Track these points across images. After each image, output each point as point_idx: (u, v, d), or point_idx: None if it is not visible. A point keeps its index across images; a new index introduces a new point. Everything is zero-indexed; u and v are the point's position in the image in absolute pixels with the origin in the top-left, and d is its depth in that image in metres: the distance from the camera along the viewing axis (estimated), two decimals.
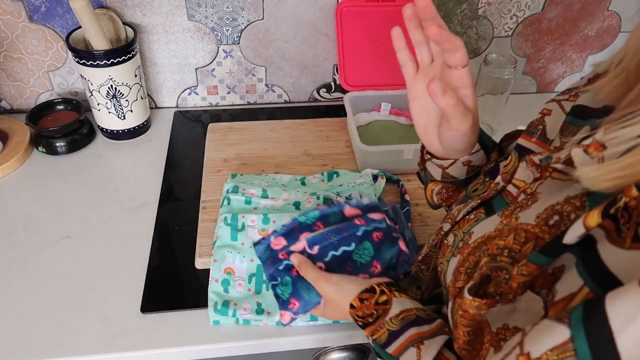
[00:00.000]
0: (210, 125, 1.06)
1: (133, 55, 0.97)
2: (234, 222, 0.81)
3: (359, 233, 0.65)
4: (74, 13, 0.90)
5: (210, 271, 0.76)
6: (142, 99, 1.03)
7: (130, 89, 0.99)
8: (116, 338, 0.71)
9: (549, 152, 0.46)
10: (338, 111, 1.11)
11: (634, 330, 0.30)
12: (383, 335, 0.55)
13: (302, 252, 0.67)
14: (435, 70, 0.56)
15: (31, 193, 0.92)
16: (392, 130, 1.04)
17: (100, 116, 1.02)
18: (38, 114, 1.02)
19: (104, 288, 0.77)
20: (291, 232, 0.68)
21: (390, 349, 0.54)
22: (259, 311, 0.72)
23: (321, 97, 1.20)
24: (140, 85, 1.01)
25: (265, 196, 0.85)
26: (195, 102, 1.16)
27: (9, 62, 1.04)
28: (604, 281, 0.34)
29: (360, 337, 0.73)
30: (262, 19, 1.05)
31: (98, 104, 0.99)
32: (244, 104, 1.18)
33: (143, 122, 1.06)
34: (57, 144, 0.99)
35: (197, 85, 1.13)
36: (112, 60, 0.93)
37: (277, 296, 0.68)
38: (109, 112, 1.00)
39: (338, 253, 0.65)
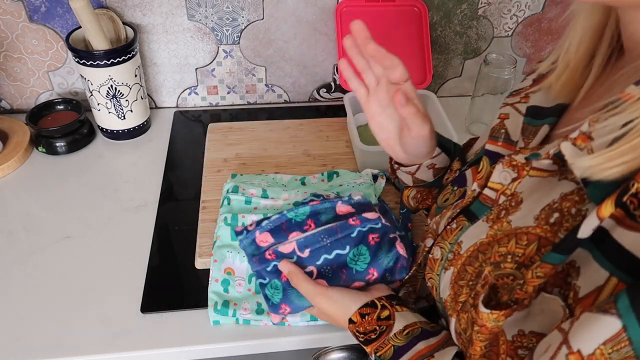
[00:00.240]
0: (210, 125, 1.07)
1: (133, 55, 0.97)
2: (234, 222, 0.81)
3: (354, 234, 0.60)
4: (74, 13, 0.90)
5: (210, 271, 0.76)
6: (142, 99, 1.03)
7: (130, 89, 0.99)
8: (116, 338, 0.71)
9: (515, 152, 0.47)
10: (338, 111, 1.11)
11: None
12: (388, 352, 0.54)
13: (292, 253, 0.61)
14: (382, 89, 0.62)
15: (31, 193, 0.92)
16: None
17: (100, 116, 1.02)
18: (38, 114, 1.02)
19: (104, 288, 0.77)
20: (279, 229, 0.62)
21: None
22: (259, 311, 0.72)
23: (321, 97, 1.20)
24: (140, 85, 1.01)
25: (265, 196, 0.85)
26: (195, 102, 1.16)
27: (9, 62, 1.04)
28: (634, 268, 0.34)
29: None
30: (262, 19, 1.05)
31: (98, 104, 0.99)
32: (244, 104, 1.18)
33: (143, 122, 1.06)
34: (57, 144, 0.99)
35: (197, 85, 1.13)
36: (112, 60, 0.93)
37: (266, 297, 0.64)
38: (109, 112, 1.00)
39: (331, 256, 0.60)
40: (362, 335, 0.56)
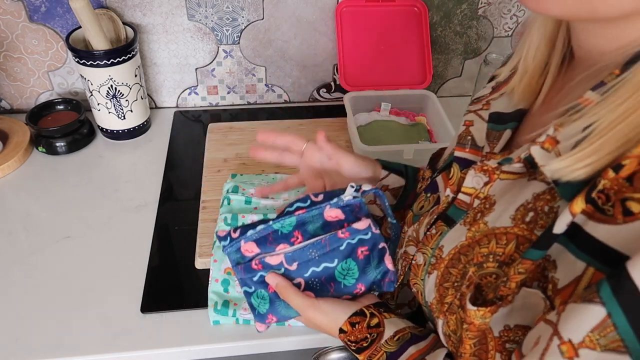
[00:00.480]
0: (210, 125, 1.06)
1: (133, 55, 0.97)
2: (234, 222, 0.81)
3: (342, 247, 0.58)
4: (74, 13, 0.90)
5: (210, 271, 0.76)
6: (142, 99, 1.03)
7: (130, 89, 0.99)
8: (116, 338, 0.71)
9: (485, 157, 0.51)
10: (338, 111, 1.11)
11: None
12: (381, 358, 0.55)
13: (280, 265, 0.60)
14: (309, 151, 0.72)
15: (31, 193, 0.92)
16: (392, 130, 1.04)
17: (100, 116, 1.02)
18: (38, 114, 1.02)
19: (104, 288, 0.77)
20: (264, 240, 0.61)
21: None
22: None
23: (321, 97, 1.20)
24: (140, 85, 1.01)
25: (265, 196, 0.85)
26: (195, 102, 1.16)
27: (9, 62, 1.04)
28: (608, 257, 0.36)
29: None
30: (262, 19, 1.05)
31: (98, 104, 0.99)
32: (244, 104, 1.18)
33: (143, 122, 1.06)
34: (57, 144, 0.99)
35: (197, 85, 1.13)
36: (112, 60, 0.93)
37: (251, 306, 0.63)
38: (109, 112, 1.00)
39: (319, 269, 0.59)
40: (354, 344, 0.57)
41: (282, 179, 0.91)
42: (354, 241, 0.59)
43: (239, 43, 1.08)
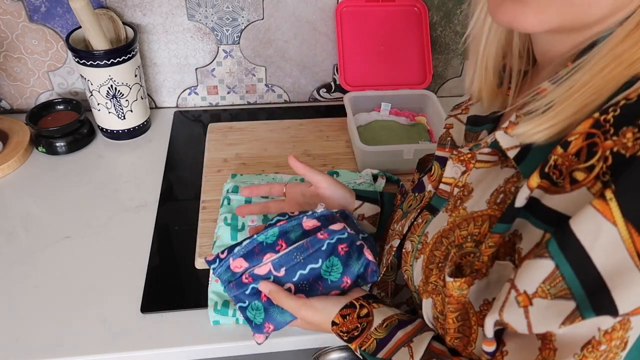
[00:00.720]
0: (210, 125, 1.07)
1: (133, 55, 0.97)
2: (234, 222, 0.81)
3: (324, 247, 0.63)
4: (74, 13, 0.90)
5: (210, 271, 0.76)
6: (142, 99, 1.03)
7: (130, 89, 0.99)
8: (116, 338, 0.71)
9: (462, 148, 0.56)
10: (338, 111, 1.11)
11: (601, 243, 0.37)
12: (372, 345, 0.58)
13: (269, 274, 0.64)
14: (290, 189, 0.80)
15: (31, 193, 0.92)
16: (392, 130, 1.04)
17: (100, 116, 1.02)
18: (38, 114, 1.02)
19: (104, 288, 0.77)
20: (251, 253, 0.65)
21: (381, 354, 0.57)
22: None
23: (321, 97, 1.20)
24: (140, 85, 1.01)
25: (265, 196, 0.85)
26: (195, 102, 1.16)
27: (9, 62, 1.04)
28: (559, 222, 0.40)
29: None
30: (262, 19, 1.05)
31: (98, 104, 0.99)
32: (244, 104, 1.18)
33: (143, 122, 1.06)
34: (57, 144, 0.99)
35: (197, 85, 1.13)
36: (112, 60, 0.93)
37: (248, 319, 0.66)
38: (109, 112, 1.00)
39: (305, 271, 0.63)
40: (345, 334, 0.60)
41: (282, 179, 0.92)
42: (333, 240, 0.63)
43: (239, 43, 1.08)
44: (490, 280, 0.47)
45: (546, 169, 0.42)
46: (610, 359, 0.39)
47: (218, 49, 1.09)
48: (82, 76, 0.97)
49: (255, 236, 0.66)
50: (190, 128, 1.11)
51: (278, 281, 0.64)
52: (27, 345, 0.69)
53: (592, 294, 0.38)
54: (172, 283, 0.78)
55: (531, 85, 0.53)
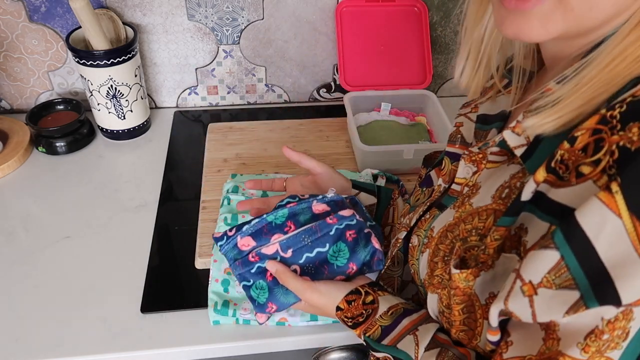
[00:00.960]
0: (210, 125, 1.07)
1: (133, 55, 0.97)
2: (234, 222, 0.81)
3: (332, 232, 0.64)
4: (74, 13, 0.90)
5: (210, 271, 0.77)
6: (142, 99, 1.03)
7: (130, 89, 0.99)
8: (116, 338, 0.71)
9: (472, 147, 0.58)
10: (338, 111, 1.11)
11: (606, 235, 0.38)
12: (377, 332, 0.59)
13: (275, 254, 0.64)
14: (289, 182, 0.82)
15: (31, 193, 0.92)
16: (392, 130, 1.04)
17: (100, 116, 1.02)
18: (38, 114, 1.02)
19: (104, 288, 0.77)
20: (260, 232, 0.65)
21: (386, 341, 0.58)
22: None
23: (321, 97, 1.20)
24: (140, 85, 1.01)
25: (265, 196, 0.85)
26: (195, 102, 1.16)
27: (9, 62, 1.04)
28: (566, 214, 0.41)
29: None
30: (262, 19, 1.05)
31: (98, 104, 0.99)
32: (244, 104, 1.18)
33: (143, 122, 1.06)
34: (57, 144, 0.99)
35: (197, 85, 1.13)
36: (112, 60, 0.93)
37: (251, 298, 0.66)
38: (109, 112, 1.00)
39: (312, 254, 0.64)
40: (350, 320, 0.61)
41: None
42: (341, 226, 0.64)
43: (239, 43, 1.08)
44: (496, 273, 0.47)
45: (552, 164, 0.42)
46: (612, 348, 0.40)
47: (218, 49, 1.09)
48: (82, 76, 0.97)
49: (264, 216, 0.66)
50: (190, 128, 1.11)
51: (284, 262, 0.64)
52: (27, 345, 0.69)
53: (596, 285, 0.38)
54: (172, 283, 0.78)
55: (537, 86, 0.54)
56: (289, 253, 0.63)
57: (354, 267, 0.64)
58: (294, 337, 0.73)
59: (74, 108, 1.04)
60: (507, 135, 0.49)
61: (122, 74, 0.96)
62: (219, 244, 0.67)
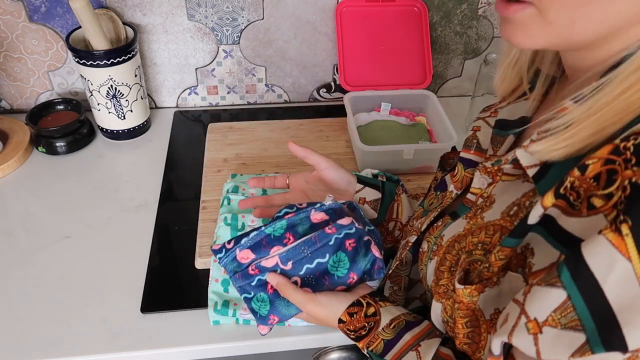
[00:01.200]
0: (210, 125, 1.07)
1: (133, 55, 0.97)
2: (234, 222, 0.81)
3: (332, 242, 0.63)
4: (74, 13, 0.90)
5: (210, 271, 0.77)
6: (142, 99, 1.03)
7: (130, 89, 0.99)
8: (116, 338, 0.71)
9: (486, 159, 0.57)
10: (338, 111, 1.11)
11: (615, 278, 0.37)
12: (379, 346, 0.58)
13: (275, 267, 0.63)
14: (293, 178, 0.81)
15: (31, 193, 0.92)
16: (392, 130, 1.04)
17: (100, 116, 1.02)
18: (38, 114, 1.02)
19: (104, 288, 0.77)
20: (259, 245, 0.65)
21: (389, 356, 0.57)
22: None
23: (321, 97, 1.20)
24: (140, 85, 1.01)
25: (266, 194, 0.84)
26: (195, 102, 1.16)
27: (9, 62, 1.04)
28: (574, 245, 0.40)
29: None
30: (262, 19, 1.05)
31: (98, 104, 0.99)
32: (244, 104, 1.18)
33: (143, 122, 1.06)
34: (57, 144, 0.99)
35: (197, 85, 1.13)
36: (112, 60, 0.93)
37: (253, 311, 0.65)
38: (109, 112, 1.00)
39: (312, 265, 0.63)
40: (352, 333, 0.61)
41: None
42: (341, 235, 0.63)
43: (239, 43, 1.08)
44: (502, 290, 0.47)
45: (561, 190, 0.42)
46: None
47: (218, 49, 1.09)
48: (82, 76, 0.97)
49: (263, 228, 0.65)
50: (190, 128, 1.11)
51: (285, 274, 0.64)
52: (27, 345, 0.69)
53: (603, 328, 0.37)
54: (172, 283, 0.78)
55: (557, 95, 0.54)
56: (289, 265, 0.63)
57: (355, 277, 0.64)
58: (294, 337, 0.73)
59: (74, 108, 1.04)
60: (520, 154, 0.48)
61: (122, 74, 0.96)
62: (218, 256, 0.66)
